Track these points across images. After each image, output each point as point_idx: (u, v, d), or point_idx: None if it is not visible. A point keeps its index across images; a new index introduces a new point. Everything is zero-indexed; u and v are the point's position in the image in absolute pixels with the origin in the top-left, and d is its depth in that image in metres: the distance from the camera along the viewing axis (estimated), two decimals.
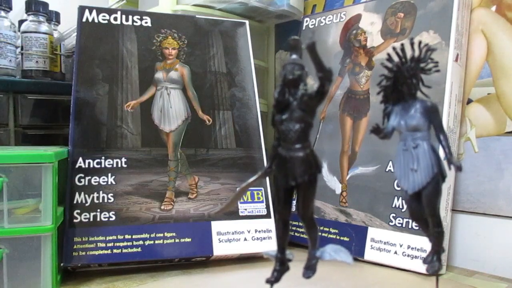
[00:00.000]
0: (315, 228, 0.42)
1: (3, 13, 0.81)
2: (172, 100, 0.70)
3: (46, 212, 0.53)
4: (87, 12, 0.70)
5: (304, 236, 0.44)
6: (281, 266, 0.41)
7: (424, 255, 0.53)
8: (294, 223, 0.73)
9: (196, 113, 0.71)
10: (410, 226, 0.63)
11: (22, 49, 0.84)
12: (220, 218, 0.66)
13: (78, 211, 0.60)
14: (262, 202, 0.69)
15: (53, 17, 0.95)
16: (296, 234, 0.73)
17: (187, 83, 0.72)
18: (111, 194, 0.63)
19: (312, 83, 0.39)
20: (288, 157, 0.38)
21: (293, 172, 0.38)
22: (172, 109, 0.70)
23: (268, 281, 0.41)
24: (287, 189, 0.39)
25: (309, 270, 0.42)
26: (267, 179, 0.70)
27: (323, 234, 0.71)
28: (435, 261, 0.43)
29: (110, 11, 0.72)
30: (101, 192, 0.62)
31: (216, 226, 0.65)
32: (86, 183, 0.62)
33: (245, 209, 0.68)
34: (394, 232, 0.64)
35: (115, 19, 0.71)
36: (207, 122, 0.71)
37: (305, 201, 0.40)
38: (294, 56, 0.39)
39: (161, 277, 0.59)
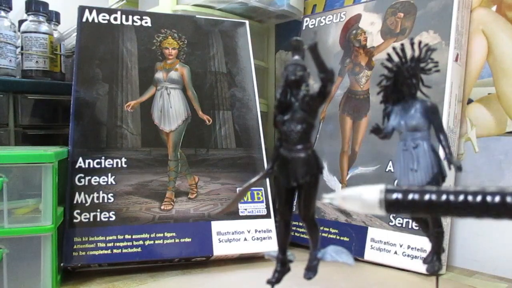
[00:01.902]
0: (316, 229, 0.42)
1: (3, 13, 0.81)
2: (172, 100, 0.70)
3: (46, 212, 0.53)
4: (87, 12, 0.70)
5: (305, 236, 0.44)
6: (282, 267, 0.41)
7: (424, 255, 0.53)
8: (294, 223, 0.73)
9: (196, 113, 0.71)
10: (410, 226, 0.63)
11: (22, 49, 0.84)
12: (220, 218, 0.66)
13: (78, 211, 0.60)
14: (262, 202, 0.69)
15: (53, 17, 0.95)
16: (296, 234, 0.73)
17: (187, 83, 0.72)
18: (111, 194, 0.63)
19: (312, 82, 0.39)
20: (290, 158, 0.38)
21: (295, 173, 0.38)
22: (172, 109, 0.70)
23: (269, 281, 0.41)
24: (289, 190, 0.39)
25: (310, 271, 0.42)
26: (267, 179, 0.70)
27: (323, 234, 0.71)
28: (435, 261, 0.43)
29: (110, 11, 0.72)
30: (101, 192, 0.62)
31: (216, 226, 0.65)
32: (86, 183, 0.62)
33: (245, 209, 0.68)
34: (394, 232, 0.64)
35: (115, 19, 0.71)
36: (207, 122, 0.71)
37: (306, 202, 0.40)
38: (296, 57, 0.39)
39: (161, 277, 0.59)
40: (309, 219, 0.41)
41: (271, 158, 0.40)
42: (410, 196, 0.28)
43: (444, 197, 0.27)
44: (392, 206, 0.29)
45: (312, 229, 0.42)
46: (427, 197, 0.28)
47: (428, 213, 0.32)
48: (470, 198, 0.27)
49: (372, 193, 0.29)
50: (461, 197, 0.27)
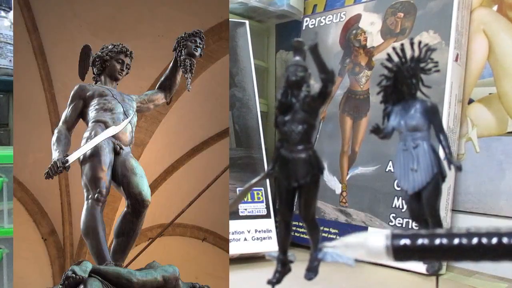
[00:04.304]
0: (317, 229, 0.42)
1: (3, 13, 0.81)
2: None
3: None
4: None
5: (305, 236, 0.44)
6: (283, 267, 0.41)
7: None
8: (294, 223, 0.73)
9: None
10: (410, 226, 0.63)
11: None
12: None
13: None
14: (262, 202, 0.69)
15: None
16: (296, 234, 0.73)
17: None
18: None
19: (312, 82, 0.39)
20: (291, 158, 0.38)
21: (296, 173, 0.38)
22: None
23: (270, 282, 0.41)
24: (289, 190, 0.39)
25: (311, 272, 0.42)
26: (267, 179, 0.70)
27: (323, 234, 0.71)
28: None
29: None
30: None
31: None
32: None
33: (245, 209, 0.68)
34: None
35: None
36: None
37: (307, 203, 0.40)
38: (297, 58, 0.39)
39: None
40: (310, 219, 0.41)
41: (272, 158, 0.40)
42: (419, 241, 0.26)
43: (456, 240, 0.25)
44: (400, 253, 0.27)
45: (312, 229, 0.42)
46: (437, 241, 0.26)
47: (440, 259, 0.29)
48: (484, 240, 0.25)
49: (378, 240, 0.27)
50: (475, 240, 0.25)
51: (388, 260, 0.27)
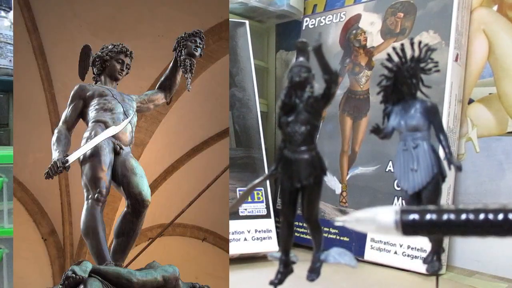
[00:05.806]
0: (320, 230, 0.42)
1: (3, 13, 0.81)
2: None
3: None
4: None
5: (305, 236, 0.44)
6: (285, 268, 0.41)
7: (424, 255, 0.53)
8: (295, 223, 0.73)
9: None
10: None
11: None
12: None
13: None
14: (262, 202, 0.69)
15: None
16: (296, 234, 0.73)
17: None
18: None
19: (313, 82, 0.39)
20: (294, 159, 0.38)
21: (298, 174, 0.38)
22: None
23: (272, 283, 0.41)
24: (292, 191, 0.39)
25: (313, 273, 0.42)
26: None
27: (323, 234, 0.71)
28: (435, 261, 0.43)
29: None
30: None
31: None
32: None
33: (245, 209, 0.68)
34: None
35: None
36: None
37: (309, 204, 0.40)
38: (301, 59, 0.39)
39: None
40: (313, 220, 0.41)
41: (275, 159, 0.40)
42: (428, 217, 0.27)
43: (463, 216, 0.26)
44: (409, 228, 0.28)
45: (315, 230, 0.42)
46: (445, 217, 0.26)
47: (447, 234, 0.30)
48: (491, 216, 0.25)
49: (387, 215, 0.28)
50: (482, 216, 0.25)
51: (396, 234, 0.28)
